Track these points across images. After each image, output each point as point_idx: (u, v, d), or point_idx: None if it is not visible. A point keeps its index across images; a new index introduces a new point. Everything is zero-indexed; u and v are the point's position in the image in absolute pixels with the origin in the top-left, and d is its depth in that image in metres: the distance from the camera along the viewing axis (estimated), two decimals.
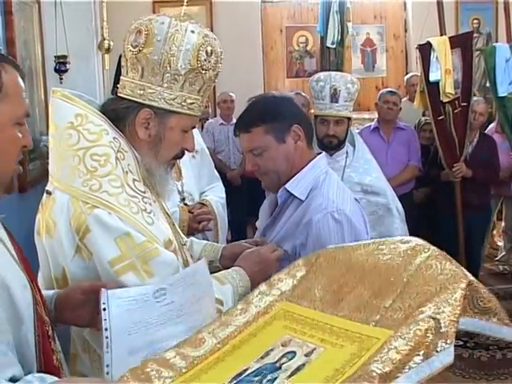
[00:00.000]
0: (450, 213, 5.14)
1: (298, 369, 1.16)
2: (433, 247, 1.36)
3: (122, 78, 1.86)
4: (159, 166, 1.86)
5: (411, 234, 5.33)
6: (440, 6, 5.03)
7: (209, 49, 1.80)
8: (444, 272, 1.24)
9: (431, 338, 1.07)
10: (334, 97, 3.46)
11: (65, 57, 6.15)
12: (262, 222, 2.34)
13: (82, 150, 1.73)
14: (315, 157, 2.19)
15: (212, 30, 1.87)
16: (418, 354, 1.05)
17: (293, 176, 2.13)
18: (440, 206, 5.48)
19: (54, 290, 1.70)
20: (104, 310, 1.49)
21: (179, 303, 1.57)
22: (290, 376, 1.15)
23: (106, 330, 1.47)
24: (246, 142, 2.15)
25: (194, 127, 1.92)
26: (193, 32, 1.78)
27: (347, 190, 2.21)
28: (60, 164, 1.76)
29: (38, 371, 1.40)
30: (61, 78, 6.16)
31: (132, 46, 1.80)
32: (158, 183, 1.88)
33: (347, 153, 3.65)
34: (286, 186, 2.12)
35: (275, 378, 1.14)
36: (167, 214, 1.99)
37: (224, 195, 3.38)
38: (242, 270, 1.93)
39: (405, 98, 6.67)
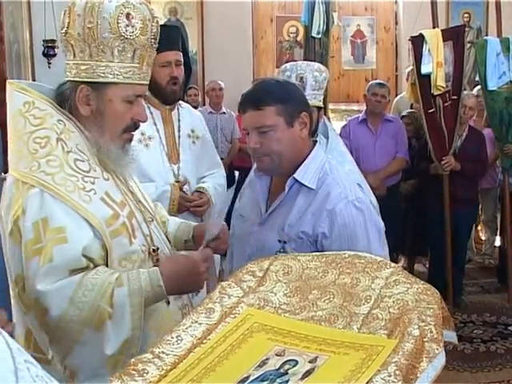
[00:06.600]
0: (438, 206, 5.16)
1: (309, 372, 1.13)
2: (393, 264, 1.44)
3: (65, 62, 1.89)
4: (109, 142, 1.85)
5: (399, 225, 5.37)
6: None
7: (129, 13, 1.78)
8: (414, 286, 1.34)
9: (429, 345, 1.19)
10: (301, 86, 3.34)
11: (53, 41, 6.10)
12: (251, 207, 2.31)
13: (27, 134, 1.78)
14: (314, 146, 2.19)
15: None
16: (423, 359, 1.16)
17: (297, 164, 2.11)
18: (428, 199, 5.49)
19: None
20: None
21: None
22: (302, 378, 1.11)
23: None
24: (254, 118, 2.08)
25: (140, 96, 1.88)
26: (110, 1, 1.78)
27: (352, 177, 2.23)
28: (12, 150, 1.82)
29: None
30: (49, 63, 6.11)
31: (61, 28, 1.84)
32: (110, 160, 1.87)
33: (320, 144, 3.57)
34: (295, 175, 2.10)
35: (287, 381, 1.11)
36: (130, 191, 1.95)
37: (224, 182, 3.36)
38: (158, 274, 1.77)
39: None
